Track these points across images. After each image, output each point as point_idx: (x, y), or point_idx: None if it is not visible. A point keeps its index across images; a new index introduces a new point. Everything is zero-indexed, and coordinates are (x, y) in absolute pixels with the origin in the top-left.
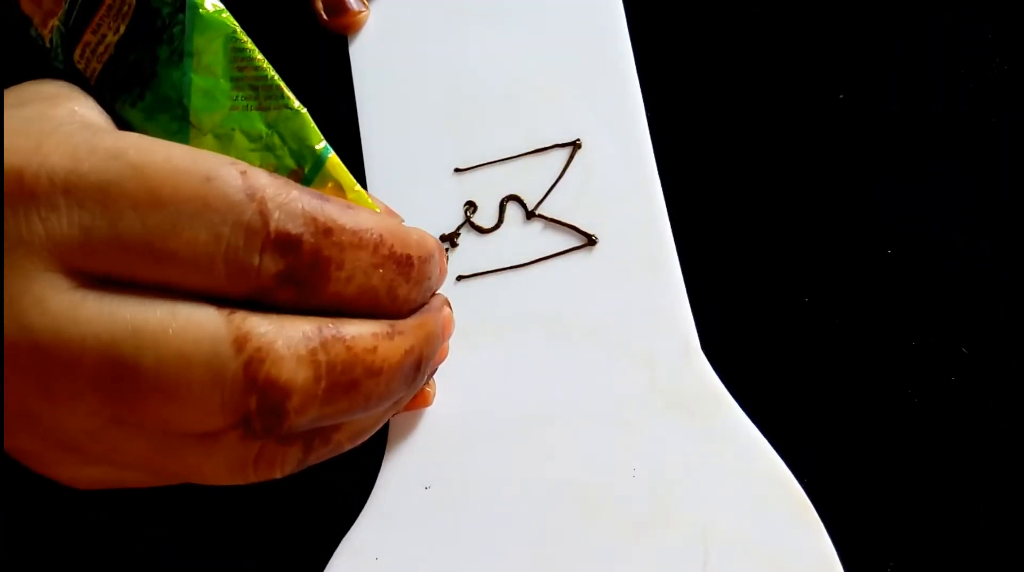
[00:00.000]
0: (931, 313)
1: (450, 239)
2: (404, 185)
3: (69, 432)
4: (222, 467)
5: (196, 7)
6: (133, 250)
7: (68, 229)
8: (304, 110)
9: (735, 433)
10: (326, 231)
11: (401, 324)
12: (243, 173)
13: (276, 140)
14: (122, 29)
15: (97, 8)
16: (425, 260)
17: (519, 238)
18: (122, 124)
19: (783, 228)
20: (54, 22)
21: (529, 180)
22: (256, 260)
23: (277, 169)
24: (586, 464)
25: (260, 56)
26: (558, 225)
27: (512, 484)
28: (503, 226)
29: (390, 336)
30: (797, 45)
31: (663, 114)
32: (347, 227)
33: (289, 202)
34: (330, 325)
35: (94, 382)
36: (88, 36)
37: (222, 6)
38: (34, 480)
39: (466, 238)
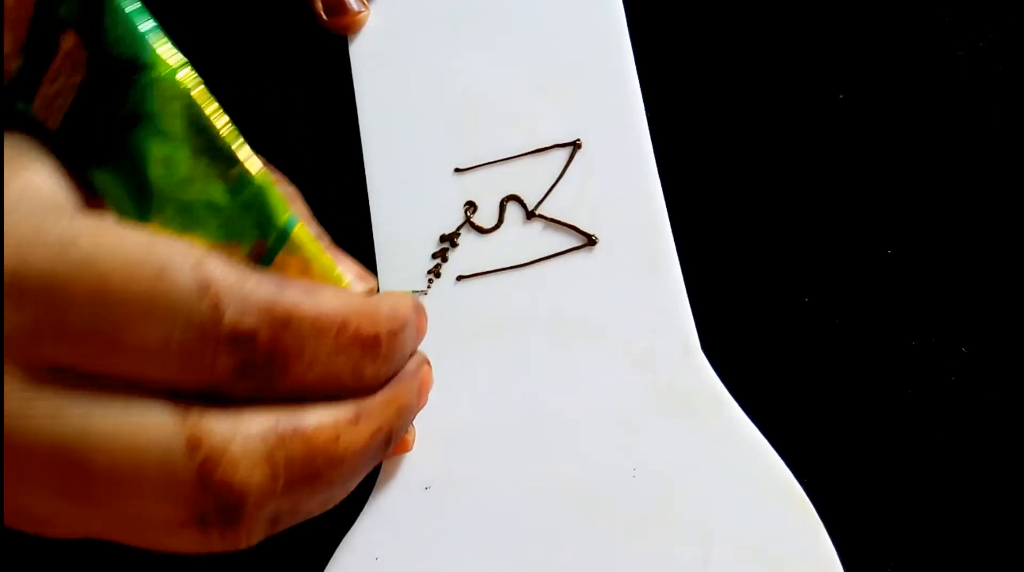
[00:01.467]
0: (931, 313)
1: (450, 239)
2: (404, 185)
3: (35, 510)
4: (187, 546)
5: (151, 67)
6: (83, 345)
7: (18, 324)
8: (269, 178)
9: (735, 433)
10: (284, 322)
11: (368, 405)
12: (198, 264)
13: (239, 212)
14: (77, 84)
15: (52, 57)
16: (395, 333)
17: (519, 238)
18: (89, 185)
19: (783, 228)
20: (13, 66)
21: (529, 180)
22: (210, 356)
23: (240, 241)
24: (586, 464)
25: (223, 120)
26: (558, 225)
27: (512, 484)
28: (503, 226)
29: (354, 422)
30: (797, 45)
31: (663, 114)
32: (307, 315)
33: (244, 294)
34: (288, 418)
35: (47, 479)
36: (46, 87)
37: (183, 60)
38: None
39: (466, 238)
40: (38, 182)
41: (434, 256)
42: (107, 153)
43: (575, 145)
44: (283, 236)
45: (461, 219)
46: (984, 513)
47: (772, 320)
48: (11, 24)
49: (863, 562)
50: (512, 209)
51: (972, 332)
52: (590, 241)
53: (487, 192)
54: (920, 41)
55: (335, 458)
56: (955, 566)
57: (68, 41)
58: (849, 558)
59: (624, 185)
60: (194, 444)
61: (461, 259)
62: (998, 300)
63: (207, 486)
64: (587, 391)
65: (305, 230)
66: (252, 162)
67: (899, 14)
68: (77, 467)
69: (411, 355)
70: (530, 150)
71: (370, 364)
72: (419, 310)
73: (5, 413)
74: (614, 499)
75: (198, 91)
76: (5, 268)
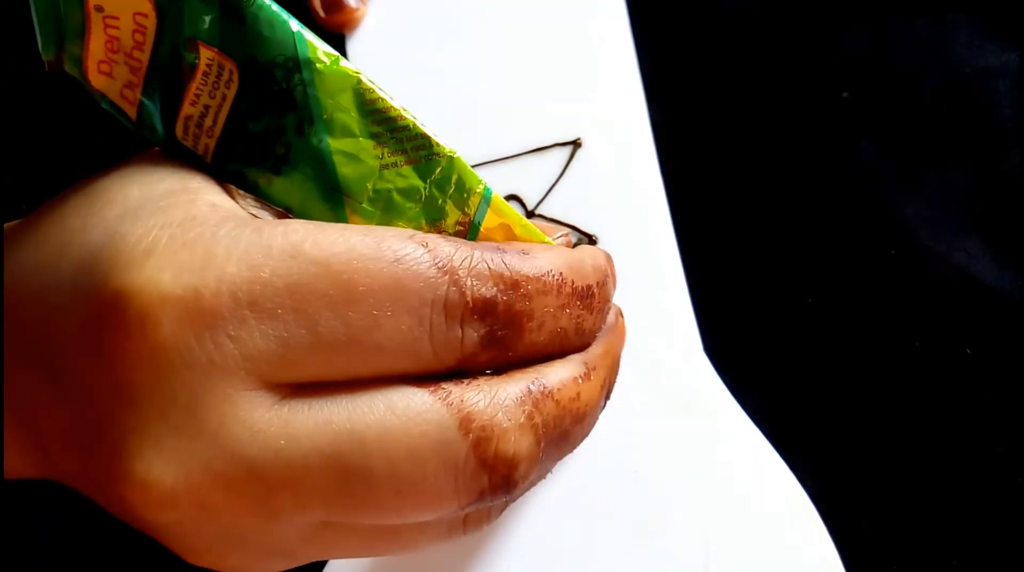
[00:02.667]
0: (935, 314)
1: None
2: None
3: (280, 542)
4: (434, 539)
5: (312, 63)
6: (337, 351)
7: (264, 343)
8: (455, 153)
9: (737, 435)
10: (514, 285)
11: (592, 358)
12: (426, 245)
13: (435, 191)
14: (229, 98)
15: (190, 78)
16: (603, 284)
17: None
18: (265, 198)
19: (786, 228)
20: (137, 95)
21: (529, 179)
22: (459, 332)
23: (444, 222)
24: (588, 465)
25: (393, 102)
26: (558, 225)
27: None
28: None
29: (588, 376)
30: (800, 43)
31: (665, 113)
32: (531, 275)
33: (476, 266)
34: (535, 381)
35: (323, 494)
36: (187, 109)
37: (336, 53)
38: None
39: None
40: (221, 202)
41: None
42: (283, 160)
43: (575, 144)
44: (483, 208)
45: None
46: (989, 517)
47: (775, 322)
48: (132, 71)
49: (866, 565)
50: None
51: (976, 333)
52: (591, 241)
53: None
54: (924, 39)
55: (579, 414)
56: (958, 569)
57: (205, 57)
58: (853, 561)
59: (625, 184)
60: (465, 424)
61: None
62: (1002, 301)
63: (484, 462)
64: None
65: (500, 198)
66: (436, 139)
67: (903, 13)
68: (357, 476)
69: None
70: (530, 149)
71: (588, 316)
72: (610, 259)
73: (269, 438)
74: (616, 501)
75: (364, 78)
76: (240, 288)
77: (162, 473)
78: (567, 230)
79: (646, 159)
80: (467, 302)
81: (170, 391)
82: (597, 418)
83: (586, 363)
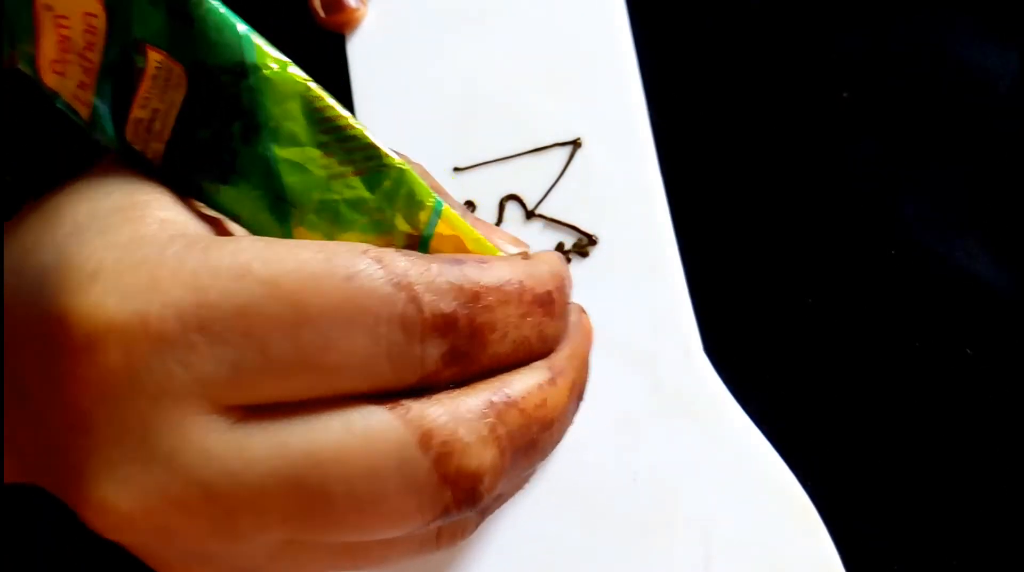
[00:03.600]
0: (935, 314)
1: None
2: None
3: (247, 560)
4: (406, 554)
5: (259, 68)
6: (290, 373)
7: (214, 368)
8: (405, 164)
9: (737, 436)
10: (474, 297)
11: (557, 362)
12: (380, 261)
13: (384, 204)
14: (178, 102)
15: (139, 79)
16: (561, 287)
17: (519, 238)
18: (212, 206)
19: (786, 228)
20: (90, 96)
21: (529, 179)
22: (419, 350)
23: (392, 235)
24: (587, 466)
25: (343, 111)
26: (558, 225)
27: None
28: (502, 226)
29: (553, 382)
30: (800, 43)
31: (665, 112)
32: (491, 286)
33: (434, 280)
34: (498, 392)
35: (280, 515)
36: (136, 112)
37: (286, 59)
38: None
39: None
40: (171, 216)
41: None
42: (230, 168)
43: (575, 144)
44: (433, 221)
45: None
46: (989, 518)
47: (774, 322)
48: (85, 71)
49: (867, 566)
50: (512, 208)
51: (976, 333)
52: (591, 241)
53: (486, 191)
54: (924, 39)
55: (546, 421)
56: (958, 569)
57: (153, 60)
58: (853, 562)
59: (625, 184)
60: (425, 440)
61: None
62: (1002, 301)
63: (446, 477)
64: (588, 393)
65: (451, 211)
66: (385, 150)
67: (904, 12)
68: (315, 497)
69: None
70: (530, 149)
71: (550, 322)
72: (563, 262)
73: (225, 463)
74: (615, 502)
75: (313, 85)
76: (186, 312)
77: (117, 498)
78: (526, 247)
79: (646, 159)
80: (426, 318)
81: (121, 417)
82: (569, 422)
83: (551, 369)
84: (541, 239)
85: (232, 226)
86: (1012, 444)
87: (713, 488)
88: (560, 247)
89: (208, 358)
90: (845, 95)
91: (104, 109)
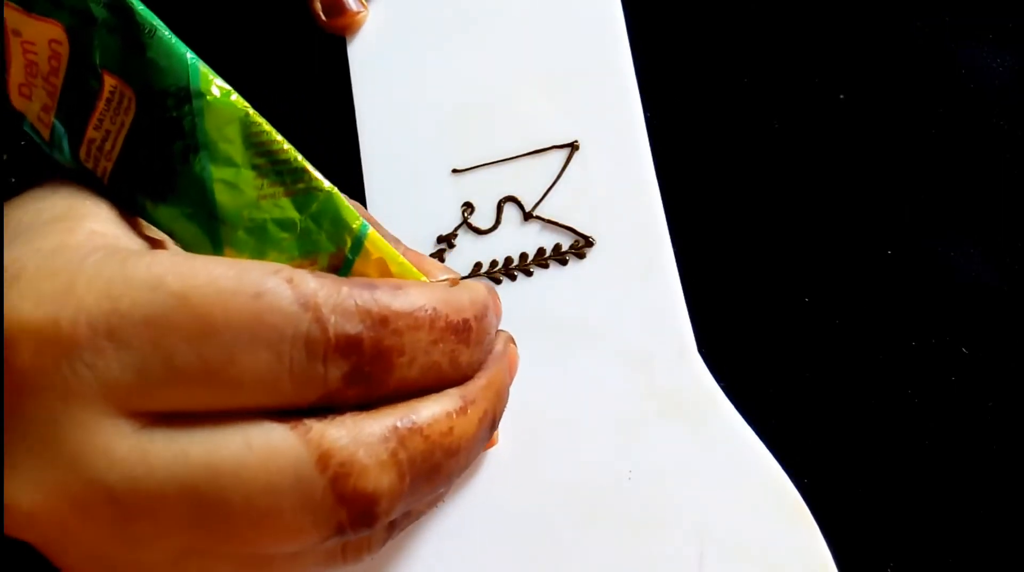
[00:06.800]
0: (931, 314)
1: (447, 240)
2: (402, 186)
3: (149, 566)
4: (311, 567)
5: (203, 95)
6: (193, 384)
7: (120, 373)
8: (334, 188)
9: (731, 436)
10: (382, 321)
11: (470, 391)
12: (290, 281)
13: (311, 225)
14: (127, 124)
15: (94, 103)
16: (481, 317)
17: (516, 239)
18: (151, 222)
19: (782, 228)
20: (51, 118)
21: (527, 181)
22: (321, 369)
23: (317, 255)
24: (582, 466)
25: (278, 137)
26: (555, 226)
27: (508, 486)
28: (500, 227)
29: (463, 411)
30: (797, 45)
31: (661, 115)
32: (402, 311)
33: (342, 301)
34: (403, 418)
35: (178, 523)
36: (91, 133)
37: (229, 87)
38: None
39: (463, 239)
40: (101, 229)
41: (431, 257)
42: (168, 187)
43: (573, 146)
44: (358, 243)
45: (458, 220)
46: (984, 516)
47: (769, 322)
48: (49, 95)
49: (860, 566)
50: (509, 210)
51: (972, 332)
52: (587, 242)
53: (484, 193)
54: (920, 41)
55: (451, 448)
56: (954, 568)
57: (108, 84)
58: (847, 561)
59: (621, 186)
60: (323, 460)
61: (458, 260)
62: (998, 300)
63: (342, 497)
64: (583, 393)
65: (377, 235)
66: (315, 174)
67: (900, 14)
68: (211, 507)
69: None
70: (528, 151)
71: (465, 350)
72: (493, 292)
73: (126, 467)
74: (610, 501)
75: (252, 112)
76: (97, 318)
77: (20, 495)
78: (455, 275)
79: (642, 161)
80: (329, 339)
81: (29, 416)
82: (478, 450)
83: (464, 397)
84: (539, 240)
85: (171, 246)
86: (1008, 443)
87: (707, 487)
88: (558, 248)
89: (115, 363)
90: (841, 97)
91: (63, 130)
